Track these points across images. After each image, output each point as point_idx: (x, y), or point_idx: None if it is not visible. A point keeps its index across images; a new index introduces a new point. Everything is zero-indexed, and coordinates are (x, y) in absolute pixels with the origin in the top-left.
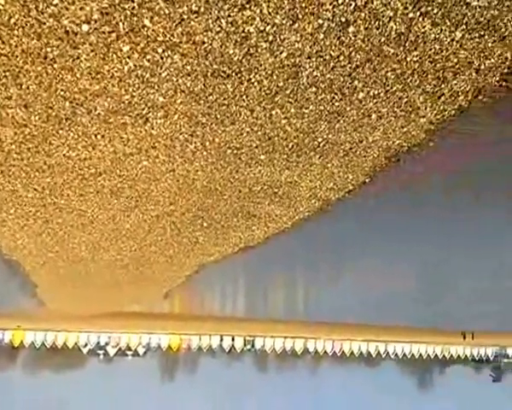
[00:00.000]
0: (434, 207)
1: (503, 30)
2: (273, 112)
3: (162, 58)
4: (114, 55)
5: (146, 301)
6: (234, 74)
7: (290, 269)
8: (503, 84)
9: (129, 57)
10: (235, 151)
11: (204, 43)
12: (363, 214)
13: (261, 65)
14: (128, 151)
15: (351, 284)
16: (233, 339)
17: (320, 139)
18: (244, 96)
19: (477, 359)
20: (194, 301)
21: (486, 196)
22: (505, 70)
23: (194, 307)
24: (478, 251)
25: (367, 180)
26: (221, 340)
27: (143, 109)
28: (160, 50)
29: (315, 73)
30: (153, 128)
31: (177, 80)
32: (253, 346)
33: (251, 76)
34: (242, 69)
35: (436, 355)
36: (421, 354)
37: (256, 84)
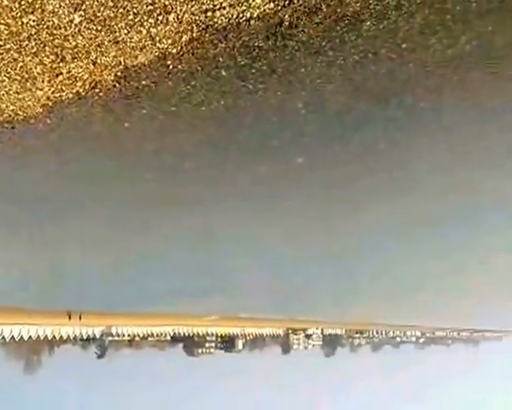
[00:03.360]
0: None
1: (117, 34)
2: None
3: None
4: None
5: None
6: None
7: None
8: (117, 85)
9: None
10: None
11: None
12: None
13: None
14: None
15: None
16: None
17: None
18: None
19: (85, 338)
20: None
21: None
22: (119, 73)
23: None
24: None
25: None
26: None
27: None
28: None
29: None
30: None
31: None
32: None
33: None
34: None
35: (46, 336)
36: (30, 337)
37: None
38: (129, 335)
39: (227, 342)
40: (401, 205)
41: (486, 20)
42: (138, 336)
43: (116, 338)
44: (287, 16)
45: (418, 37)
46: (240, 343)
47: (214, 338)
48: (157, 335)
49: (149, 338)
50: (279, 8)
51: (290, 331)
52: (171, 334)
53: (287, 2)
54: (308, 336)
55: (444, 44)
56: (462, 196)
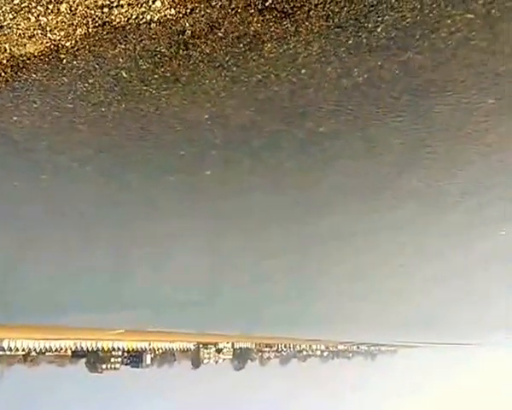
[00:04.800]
0: None
1: (1, 18)
2: None
3: None
4: None
5: None
6: None
7: None
8: (3, 74)
9: None
10: None
11: None
12: None
13: None
14: None
15: None
16: None
17: None
18: None
19: None
20: None
21: None
22: (4, 61)
23: None
24: None
25: None
26: None
27: None
28: None
29: None
30: None
31: None
32: None
33: None
34: None
35: None
36: None
37: None
38: (23, 349)
39: (134, 357)
40: (306, 224)
41: (375, 55)
42: (34, 350)
43: (8, 353)
44: (188, 25)
45: (315, 64)
46: (148, 358)
47: (120, 353)
48: (56, 349)
49: (47, 353)
50: (180, 15)
51: (201, 346)
52: (73, 348)
53: (188, 11)
54: (219, 351)
55: (338, 74)
56: (365, 218)
